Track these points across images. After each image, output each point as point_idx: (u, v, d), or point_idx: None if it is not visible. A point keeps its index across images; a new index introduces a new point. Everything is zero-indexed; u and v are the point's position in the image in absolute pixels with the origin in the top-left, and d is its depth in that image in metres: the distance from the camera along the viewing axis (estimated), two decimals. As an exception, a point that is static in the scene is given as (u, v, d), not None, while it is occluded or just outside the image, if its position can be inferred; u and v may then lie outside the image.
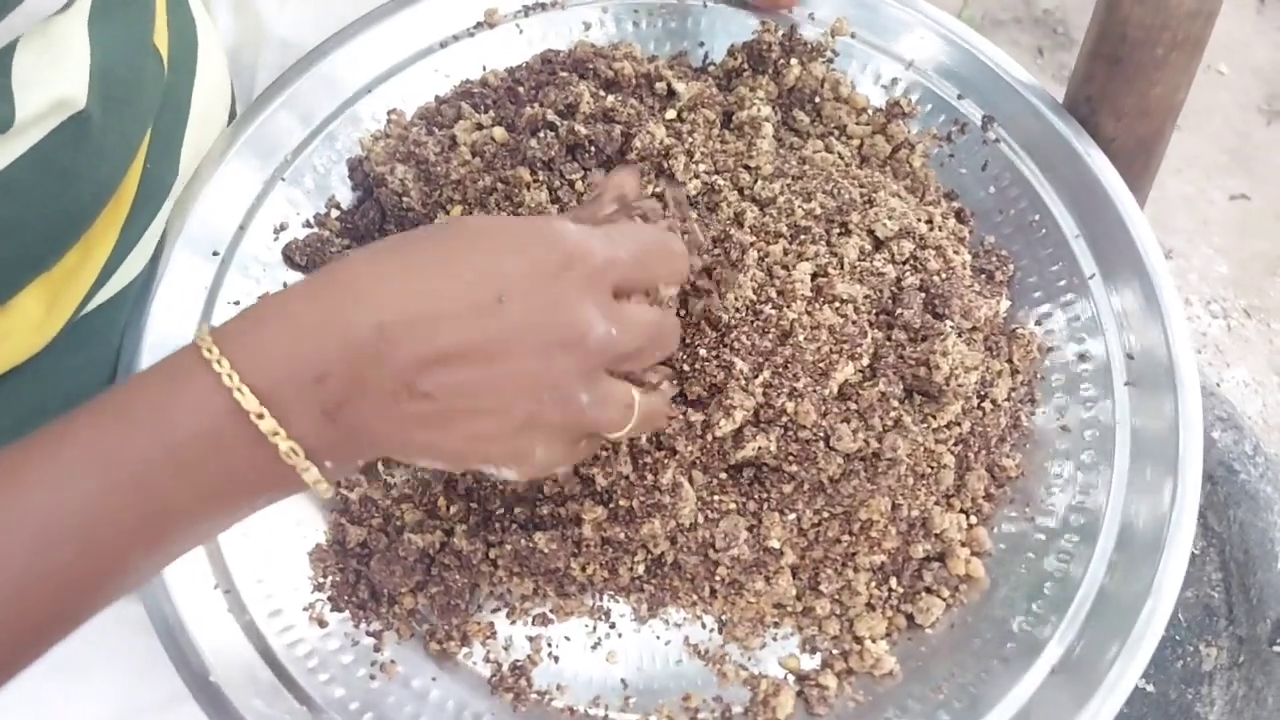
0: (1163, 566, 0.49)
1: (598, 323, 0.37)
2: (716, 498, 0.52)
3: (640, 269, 0.40)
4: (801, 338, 0.51)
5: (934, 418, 0.53)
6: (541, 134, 0.55)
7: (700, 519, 0.51)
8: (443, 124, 0.61)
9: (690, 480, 0.51)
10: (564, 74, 0.61)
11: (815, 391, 0.51)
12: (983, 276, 0.58)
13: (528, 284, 0.36)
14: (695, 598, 0.53)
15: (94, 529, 0.33)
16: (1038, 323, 0.59)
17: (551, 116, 0.57)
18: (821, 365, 0.51)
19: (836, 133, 0.62)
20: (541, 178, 0.55)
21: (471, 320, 0.35)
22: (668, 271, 0.42)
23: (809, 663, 0.52)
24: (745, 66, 0.62)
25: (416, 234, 0.38)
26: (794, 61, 0.61)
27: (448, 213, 0.57)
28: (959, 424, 0.54)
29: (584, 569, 0.52)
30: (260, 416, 0.33)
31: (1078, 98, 0.61)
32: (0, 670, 0.34)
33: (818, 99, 0.62)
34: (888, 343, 0.53)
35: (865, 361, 0.52)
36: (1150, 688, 0.65)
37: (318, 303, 0.35)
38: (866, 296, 0.53)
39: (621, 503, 0.50)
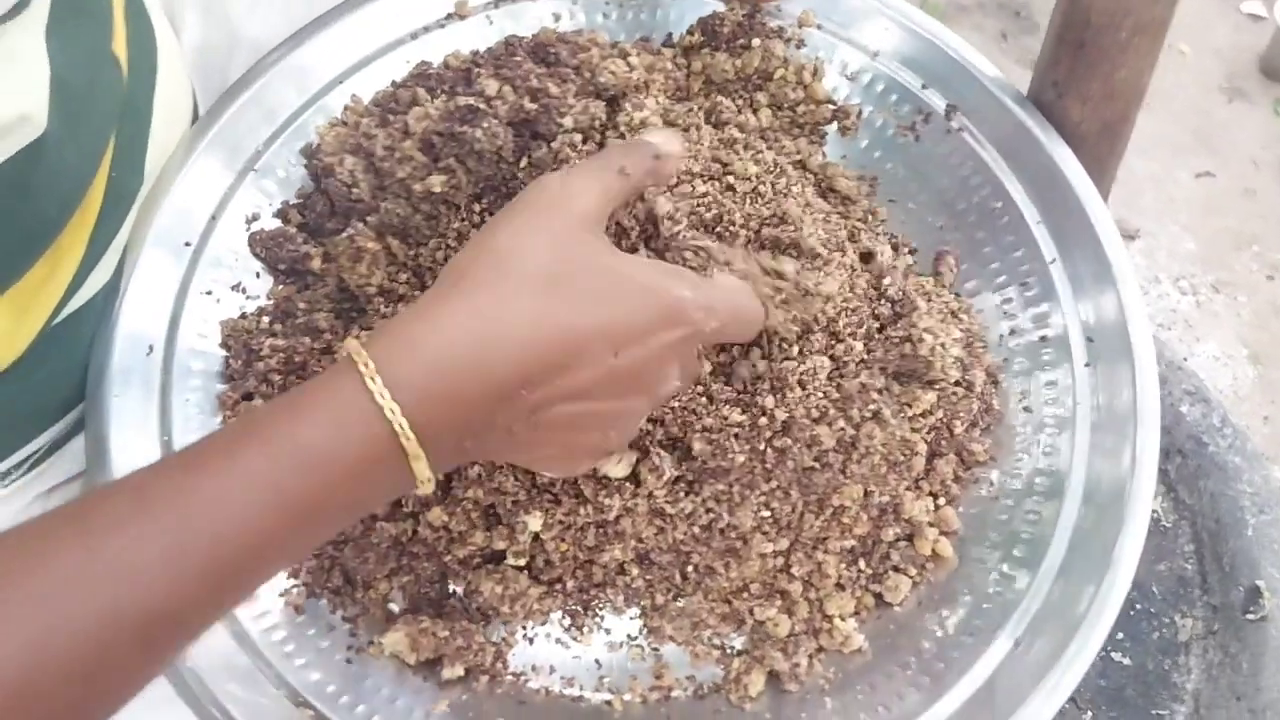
0: (1121, 539, 0.51)
1: (676, 377, 0.46)
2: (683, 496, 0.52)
3: (727, 334, 0.48)
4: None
5: (910, 406, 0.54)
6: (486, 124, 0.53)
7: (672, 510, 0.52)
8: (397, 110, 0.60)
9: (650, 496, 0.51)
10: (519, 58, 0.59)
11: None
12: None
13: (637, 339, 0.42)
14: (668, 585, 0.54)
15: (255, 548, 0.36)
16: (1003, 305, 0.60)
17: (475, 101, 0.55)
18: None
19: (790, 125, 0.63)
20: (460, 179, 0.54)
21: (591, 371, 0.41)
22: (746, 333, 0.49)
23: (780, 643, 0.53)
24: (702, 40, 0.63)
25: (539, 255, 0.41)
26: (756, 41, 0.61)
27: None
28: (934, 411, 0.55)
29: (555, 578, 0.53)
30: (415, 454, 0.38)
31: (1044, 83, 0.62)
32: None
33: (771, 84, 0.62)
34: (876, 331, 0.53)
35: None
36: (1127, 660, 0.66)
37: (468, 339, 0.39)
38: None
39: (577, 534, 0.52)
